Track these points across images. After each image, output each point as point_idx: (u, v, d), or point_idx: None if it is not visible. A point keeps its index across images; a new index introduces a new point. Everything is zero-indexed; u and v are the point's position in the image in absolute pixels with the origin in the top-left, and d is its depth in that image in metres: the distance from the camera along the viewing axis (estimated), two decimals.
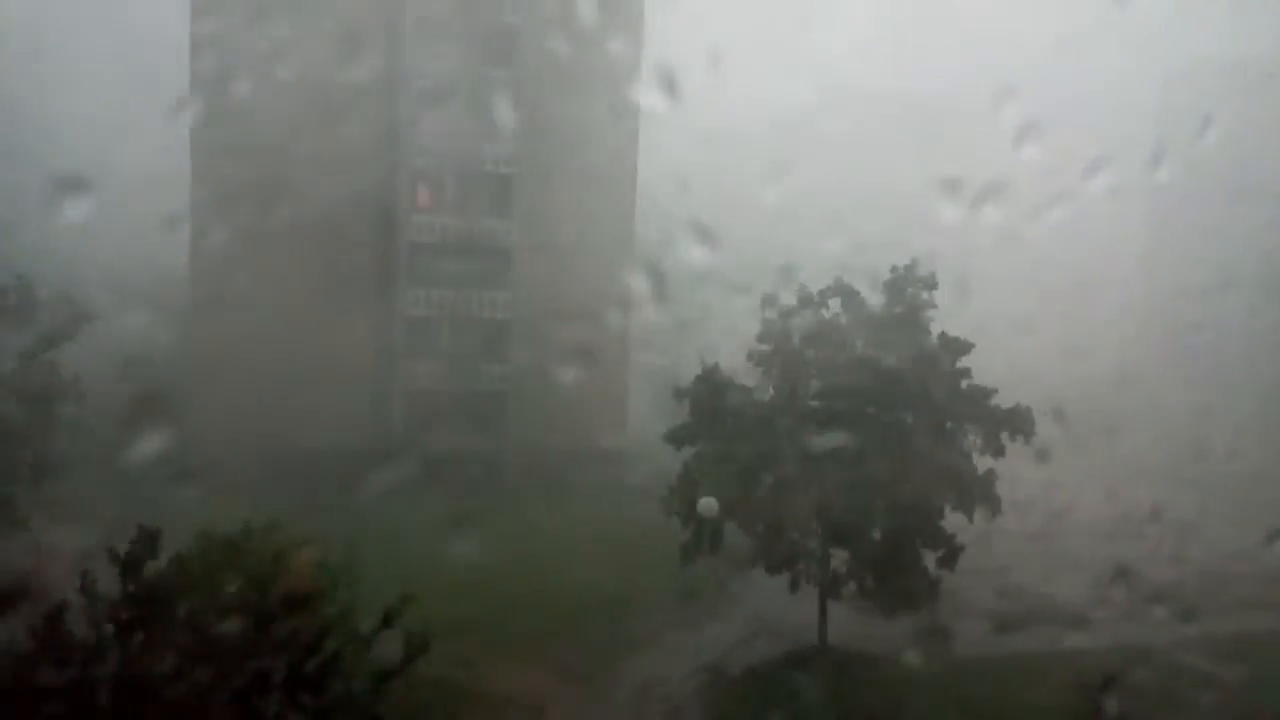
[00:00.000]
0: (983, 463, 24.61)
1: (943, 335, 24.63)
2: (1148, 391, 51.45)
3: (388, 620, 14.13)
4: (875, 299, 25.23)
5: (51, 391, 25.88)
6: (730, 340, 26.85)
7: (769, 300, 25.22)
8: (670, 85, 32.43)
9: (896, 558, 23.50)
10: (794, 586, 24.52)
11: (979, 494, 24.19)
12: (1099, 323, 56.71)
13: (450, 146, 36.39)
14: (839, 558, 24.40)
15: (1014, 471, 25.30)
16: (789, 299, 25.24)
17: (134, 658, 13.10)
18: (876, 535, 23.79)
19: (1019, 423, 24.31)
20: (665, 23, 39.97)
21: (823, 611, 25.27)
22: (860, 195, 51.70)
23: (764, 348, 25.21)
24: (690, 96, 31.80)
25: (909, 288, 25.02)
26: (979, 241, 50.41)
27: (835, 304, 25.38)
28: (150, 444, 32.21)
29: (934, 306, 25.01)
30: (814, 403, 24.70)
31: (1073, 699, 23.46)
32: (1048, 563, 30.97)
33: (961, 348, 24.45)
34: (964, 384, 24.45)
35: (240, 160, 33.98)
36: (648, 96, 37.28)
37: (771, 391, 24.99)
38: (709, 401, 24.71)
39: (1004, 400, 24.42)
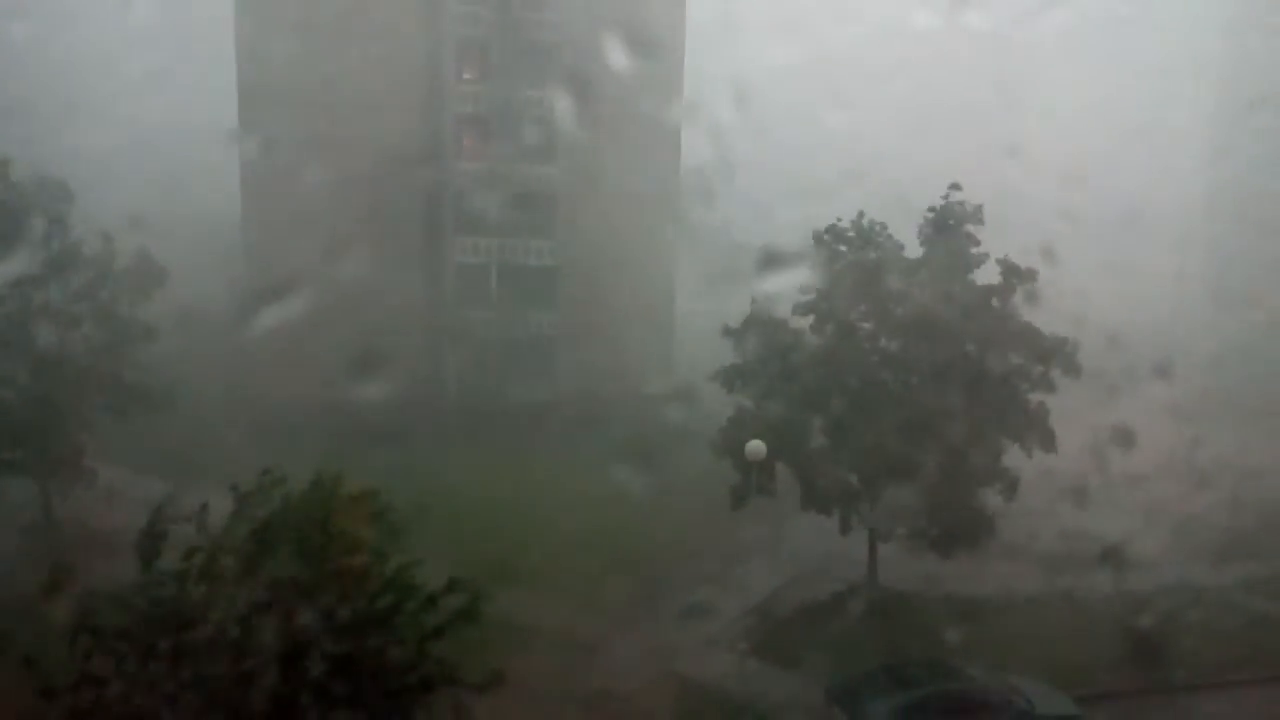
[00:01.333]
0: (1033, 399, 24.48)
1: (1004, 262, 24.18)
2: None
3: (451, 586, 14.30)
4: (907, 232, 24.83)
5: (123, 339, 26.33)
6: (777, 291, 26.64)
7: (817, 239, 24.96)
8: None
9: (951, 496, 23.50)
10: (844, 527, 24.66)
11: (1033, 429, 24.06)
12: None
13: (494, 93, 36.26)
14: (889, 499, 24.46)
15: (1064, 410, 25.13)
16: (831, 244, 24.96)
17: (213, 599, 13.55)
18: (930, 475, 23.81)
19: (1066, 359, 24.07)
20: None
21: (872, 552, 25.44)
22: None
23: (809, 297, 24.91)
24: None
25: (949, 227, 24.62)
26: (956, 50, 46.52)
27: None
28: (212, 394, 33.16)
29: (978, 242, 24.60)
30: (864, 343, 24.59)
31: (1118, 636, 23.61)
32: (1098, 504, 30.74)
33: (1026, 276, 24.06)
34: (1018, 319, 24.18)
35: (287, 110, 34.15)
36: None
37: (820, 333, 24.89)
38: (759, 342, 24.70)
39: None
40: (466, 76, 36.52)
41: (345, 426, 30.15)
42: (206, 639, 13.26)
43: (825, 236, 24.92)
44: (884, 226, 24.78)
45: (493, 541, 25.33)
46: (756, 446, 23.47)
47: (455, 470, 30.03)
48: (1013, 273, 24.08)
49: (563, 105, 36.21)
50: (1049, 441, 24.16)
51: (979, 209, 24.55)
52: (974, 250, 24.49)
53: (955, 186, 24.63)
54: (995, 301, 24.19)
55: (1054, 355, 24.07)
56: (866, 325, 24.66)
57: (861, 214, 24.83)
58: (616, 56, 35.81)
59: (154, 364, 26.91)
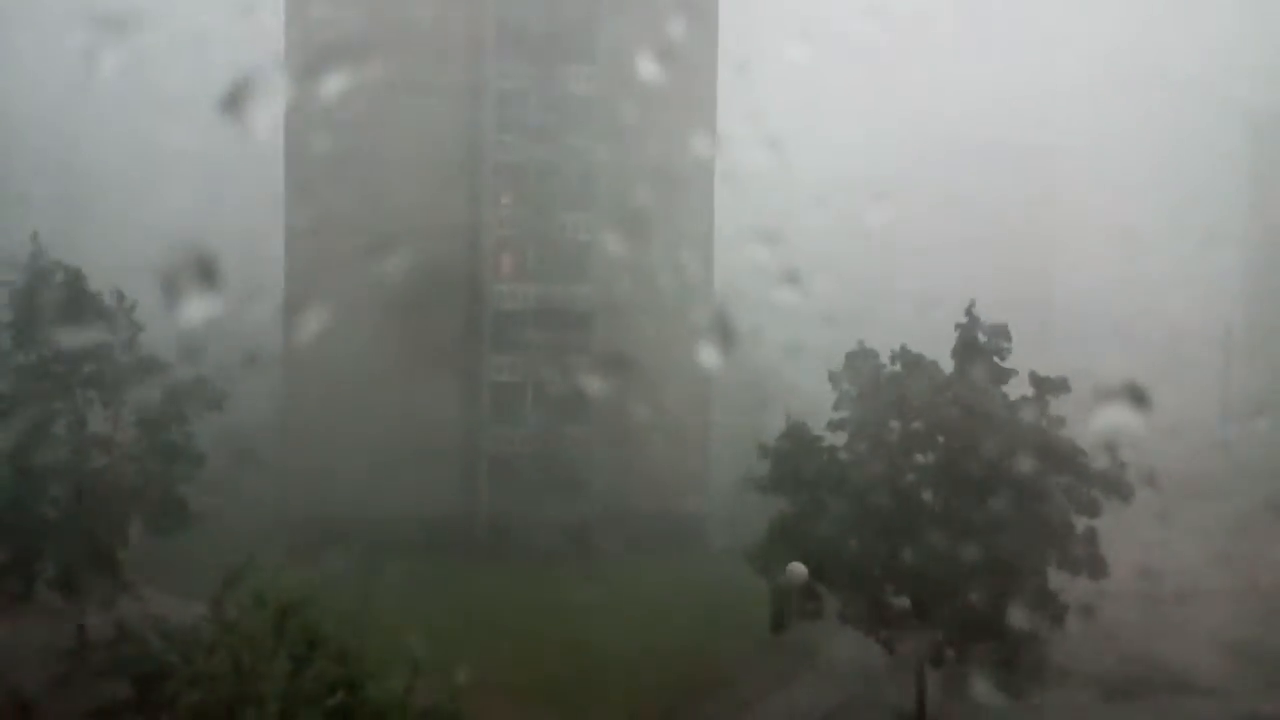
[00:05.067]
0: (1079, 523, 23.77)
1: (1033, 375, 23.92)
2: None
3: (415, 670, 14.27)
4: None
5: (173, 456, 26.23)
6: (812, 404, 26.50)
7: (839, 376, 24.85)
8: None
9: (996, 621, 22.69)
10: (890, 649, 23.82)
11: (1080, 554, 23.33)
12: None
13: (532, 215, 37.15)
14: (937, 621, 23.64)
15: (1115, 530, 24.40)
16: (861, 365, 24.86)
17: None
18: (973, 598, 23.07)
19: (1114, 483, 23.48)
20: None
21: (919, 679, 24.45)
22: None
23: (843, 413, 24.73)
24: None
25: (978, 343, 24.54)
26: None
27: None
28: (250, 512, 33.14)
29: (1009, 354, 24.41)
30: (898, 459, 24.24)
31: None
32: (1157, 628, 29.53)
33: (1055, 386, 23.74)
34: (1055, 434, 23.72)
35: (330, 233, 35.09)
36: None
37: (855, 450, 24.58)
38: (794, 459, 24.44)
39: None
40: (504, 200, 37.49)
41: (380, 544, 29.96)
42: None
43: (856, 355, 24.87)
44: (914, 358, 24.63)
45: (524, 663, 24.72)
46: (797, 569, 22.90)
47: (488, 589, 29.62)
48: (1043, 385, 23.85)
49: (599, 227, 37.03)
50: (1098, 567, 23.39)
51: (1004, 327, 24.42)
52: (1003, 364, 24.32)
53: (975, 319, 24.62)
54: (1029, 415, 23.84)
55: (1097, 478, 23.52)
56: (900, 442, 24.35)
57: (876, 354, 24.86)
58: (647, 187, 36.71)
59: (194, 484, 26.97)
